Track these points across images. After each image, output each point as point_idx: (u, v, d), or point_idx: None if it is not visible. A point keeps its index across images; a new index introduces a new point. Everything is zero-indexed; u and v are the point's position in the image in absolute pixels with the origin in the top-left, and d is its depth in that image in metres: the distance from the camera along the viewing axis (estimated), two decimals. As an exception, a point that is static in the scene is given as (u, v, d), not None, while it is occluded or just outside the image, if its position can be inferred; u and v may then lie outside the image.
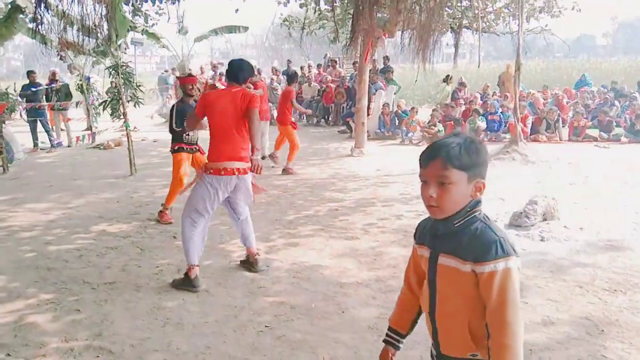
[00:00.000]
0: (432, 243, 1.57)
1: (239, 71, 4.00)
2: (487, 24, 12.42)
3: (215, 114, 3.87)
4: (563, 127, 11.13)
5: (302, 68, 16.73)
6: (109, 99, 9.80)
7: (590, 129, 11.21)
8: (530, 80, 19.51)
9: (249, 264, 4.26)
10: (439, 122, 11.30)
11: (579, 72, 19.68)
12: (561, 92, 13.89)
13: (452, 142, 1.45)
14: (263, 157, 8.65)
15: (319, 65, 16.93)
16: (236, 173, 3.83)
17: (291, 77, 8.88)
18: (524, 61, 9.44)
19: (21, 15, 9.21)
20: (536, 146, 9.78)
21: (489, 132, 11.24)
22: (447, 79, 14.15)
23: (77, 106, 12.46)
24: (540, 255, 4.40)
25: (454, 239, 1.49)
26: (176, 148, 5.49)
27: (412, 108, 12.03)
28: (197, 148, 5.60)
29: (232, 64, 4.08)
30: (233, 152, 3.83)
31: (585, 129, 10.92)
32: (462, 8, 11.25)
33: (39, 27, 6.29)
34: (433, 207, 1.46)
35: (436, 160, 1.43)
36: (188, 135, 5.44)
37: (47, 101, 11.65)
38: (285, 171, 8.21)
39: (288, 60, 19.39)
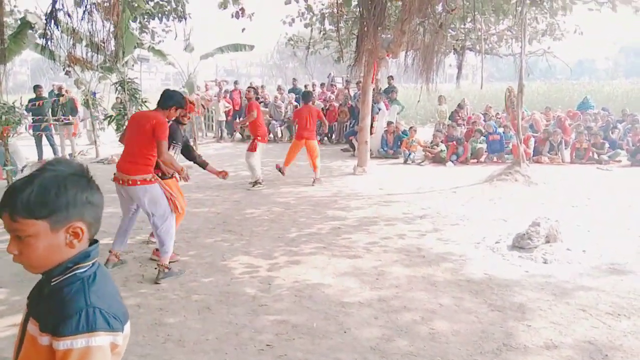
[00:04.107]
0: (31, 302, 1.28)
1: (167, 99, 4.44)
2: (490, 45, 12.56)
3: (128, 128, 4.48)
4: (565, 149, 11.17)
5: (305, 86, 16.88)
6: (114, 114, 9.91)
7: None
8: (532, 101, 19.62)
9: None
10: (441, 142, 11.36)
11: (580, 94, 19.80)
12: (563, 114, 13.95)
13: (24, 185, 1.16)
14: (259, 182, 8.46)
15: (322, 84, 17.09)
16: (121, 182, 4.34)
17: (307, 95, 9.30)
18: (526, 83, 9.52)
19: (30, 31, 9.36)
20: (539, 168, 9.80)
21: (490, 154, 11.27)
22: (439, 99, 14.40)
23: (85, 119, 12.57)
24: (543, 277, 4.38)
25: (46, 301, 1.21)
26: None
27: (411, 127, 12.10)
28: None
29: (164, 92, 4.56)
30: (124, 164, 4.34)
31: (589, 151, 10.95)
32: (466, 30, 11.39)
33: (49, 42, 6.37)
34: (22, 263, 1.21)
35: (4, 211, 1.17)
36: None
37: (53, 115, 11.76)
38: (316, 181, 8.70)
39: (294, 79, 19.56)
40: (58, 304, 1.17)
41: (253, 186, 8.34)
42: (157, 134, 4.22)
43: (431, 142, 11.53)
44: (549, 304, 3.83)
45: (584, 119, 13.61)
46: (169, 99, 4.46)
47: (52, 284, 1.21)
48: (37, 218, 1.15)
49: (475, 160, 11.09)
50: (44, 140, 11.31)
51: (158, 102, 4.48)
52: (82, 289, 1.18)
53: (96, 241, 1.29)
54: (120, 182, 4.35)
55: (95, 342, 1.12)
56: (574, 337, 3.33)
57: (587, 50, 61.24)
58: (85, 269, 1.22)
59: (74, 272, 1.21)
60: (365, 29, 7.94)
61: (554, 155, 11.01)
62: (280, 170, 8.89)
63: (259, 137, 8.29)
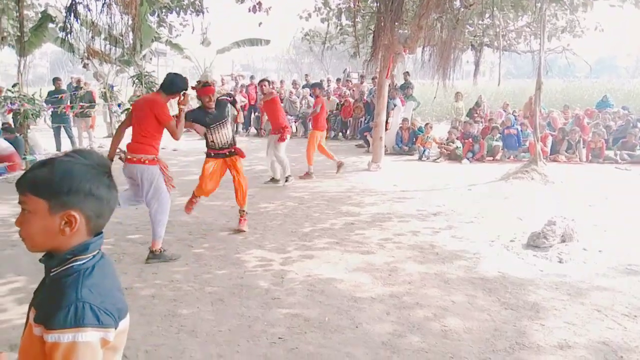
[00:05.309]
0: (35, 291, 1.27)
1: (170, 84, 4.63)
2: (508, 42, 12.40)
3: (134, 115, 4.70)
4: (583, 147, 11.01)
5: (321, 81, 16.86)
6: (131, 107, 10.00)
7: (609, 149, 11.09)
8: (551, 99, 19.35)
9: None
10: (457, 139, 11.27)
11: (600, 92, 19.46)
12: (582, 113, 13.75)
13: (40, 164, 1.20)
14: (287, 179, 8.22)
15: (338, 80, 17.06)
16: (135, 161, 4.58)
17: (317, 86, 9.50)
18: (544, 80, 9.39)
19: (51, 24, 9.50)
20: (556, 166, 9.68)
21: (506, 151, 11.16)
22: (456, 96, 14.29)
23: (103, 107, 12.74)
24: (558, 277, 4.33)
25: (44, 292, 1.22)
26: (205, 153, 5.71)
27: (427, 124, 12.03)
28: (229, 152, 5.57)
29: (167, 76, 4.78)
30: (136, 146, 4.61)
31: (604, 150, 10.78)
32: (484, 26, 11.27)
33: (68, 35, 6.46)
34: (22, 239, 1.21)
35: (19, 184, 1.20)
36: (213, 141, 5.51)
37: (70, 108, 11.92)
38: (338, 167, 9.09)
39: (306, 74, 19.54)
40: (52, 295, 1.16)
41: (286, 181, 8.15)
42: (162, 119, 4.62)
43: (447, 139, 11.45)
44: (563, 304, 3.79)
45: (602, 118, 13.40)
46: (172, 85, 4.64)
47: (51, 274, 1.21)
48: (39, 196, 1.17)
49: (492, 158, 10.98)
50: (63, 132, 11.47)
51: (161, 87, 4.71)
52: (75, 282, 1.17)
53: (99, 233, 1.27)
54: (138, 161, 4.61)
55: (83, 338, 1.11)
56: (589, 337, 3.30)
57: (608, 47, 60.07)
58: (83, 261, 1.21)
59: (71, 264, 1.20)
60: (382, 24, 7.91)
61: (572, 154, 10.87)
62: (339, 166, 9.14)
63: (287, 128, 8.01)
